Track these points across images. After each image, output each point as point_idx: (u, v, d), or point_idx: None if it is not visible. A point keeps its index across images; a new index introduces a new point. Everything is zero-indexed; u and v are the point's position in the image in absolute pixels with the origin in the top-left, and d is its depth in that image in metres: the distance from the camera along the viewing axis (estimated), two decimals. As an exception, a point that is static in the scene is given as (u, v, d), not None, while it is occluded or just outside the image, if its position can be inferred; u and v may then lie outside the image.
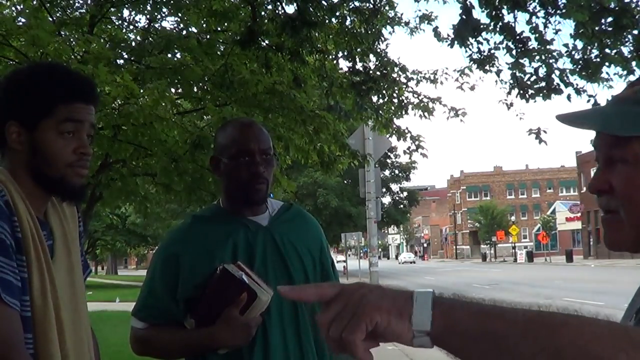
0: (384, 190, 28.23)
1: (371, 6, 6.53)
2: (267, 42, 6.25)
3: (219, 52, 7.64)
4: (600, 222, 1.00)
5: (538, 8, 5.54)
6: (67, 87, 1.55)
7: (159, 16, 8.08)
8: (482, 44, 5.84)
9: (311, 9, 5.88)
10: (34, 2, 7.23)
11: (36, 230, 1.48)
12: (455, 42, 5.60)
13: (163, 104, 6.63)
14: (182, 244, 1.92)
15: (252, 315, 1.82)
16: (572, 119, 0.98)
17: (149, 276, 1.98)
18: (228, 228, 1.93)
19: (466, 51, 5.85)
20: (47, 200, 1.59)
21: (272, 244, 1.93)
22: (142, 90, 6.88)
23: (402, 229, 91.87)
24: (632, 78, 5.56)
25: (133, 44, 7.66)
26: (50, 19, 6.97)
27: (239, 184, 1.92)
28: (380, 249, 78.88)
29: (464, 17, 5.39)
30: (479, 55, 5.91)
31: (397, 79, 7.62)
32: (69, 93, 1.54)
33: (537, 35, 5.61)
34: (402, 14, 7.79)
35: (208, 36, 7.71)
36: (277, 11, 6.24)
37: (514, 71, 5.86)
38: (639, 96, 0.92)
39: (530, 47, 5.68)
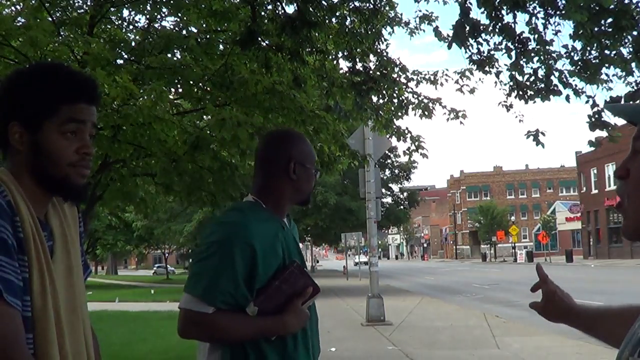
0: (384, 190, 28.19)
1: (371, 6, 6.52)
2: (267, 42, 6.25)
3: (218, 52, 7.64)
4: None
5: (538, 9, 5.53)
6: (70, 88, 1.55)
7: (158, 16, 8.06)
8: (481, 44, 5.84)
9: (311, 9, 5.88)
10: (33, 2, 7.22)
11: (37, 231, 1.48)
12: (454, 42, 5.60)
13: (162, 105, 6.62)
14: (254, 236, 2.00)
15: (307, 306, 2.10)
16: (617, 110, 1.06)
17: (223, 262, 1.96)
18: (275, 226, 2.10)
19: (466, 52, 5.85)
20: (48, 201, 1.59)
21: (294, 242, 2.16)
22: (141, 91, 6.87)
23: (402, 229, 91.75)
24: (631, 79, 5.57)
25: (133, 44, 7.65)
26: (50, 19, 6.96)
27: (308, 189, 2.22)
28: (380, 249, 78.78)
29: (462, 17, 5.39)
30: (479, 56, 5.90)
31: (397, 79, 7.60)
32: (72, 93, 1.54)
33: (536, 36, 5.60)
34: (401, 14, 7.78)
35: (208, 36, 7.70)
36: (277, 11, 6.24)
37: (513, 72, 5.86)
38: None
39: (530, 48, 5.67)
